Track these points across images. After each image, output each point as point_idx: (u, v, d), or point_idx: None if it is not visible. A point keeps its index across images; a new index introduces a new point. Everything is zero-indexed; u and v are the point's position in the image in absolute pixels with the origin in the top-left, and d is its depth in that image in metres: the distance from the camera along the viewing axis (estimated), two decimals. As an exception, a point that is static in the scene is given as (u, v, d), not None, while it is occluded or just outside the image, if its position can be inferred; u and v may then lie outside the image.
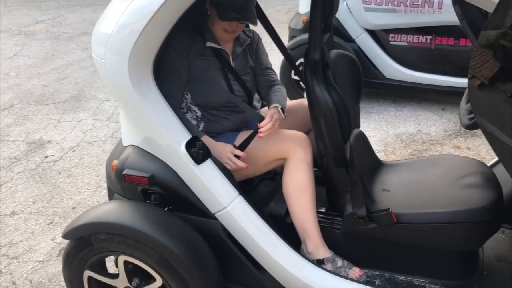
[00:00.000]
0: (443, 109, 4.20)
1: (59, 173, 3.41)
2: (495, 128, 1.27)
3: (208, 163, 1.74)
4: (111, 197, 2.07)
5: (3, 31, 7.42)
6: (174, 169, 1.78)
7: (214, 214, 1.79)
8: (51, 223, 2.86)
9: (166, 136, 1.73)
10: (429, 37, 3.96)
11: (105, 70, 1.71)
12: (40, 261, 2.56)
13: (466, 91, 1.88)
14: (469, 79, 1.29)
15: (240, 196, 1.77)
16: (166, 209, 1.86)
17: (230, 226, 1.80)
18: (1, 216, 2.93)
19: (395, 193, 1.92)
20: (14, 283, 2.41)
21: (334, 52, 1.94)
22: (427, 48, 4.00)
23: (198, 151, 1.70)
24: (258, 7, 2.00)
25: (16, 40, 6.95)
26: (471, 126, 1.72)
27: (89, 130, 4.08)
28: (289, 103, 2.21)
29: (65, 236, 1.80)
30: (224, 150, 1.84)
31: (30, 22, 7.96)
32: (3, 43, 6.78)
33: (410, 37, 4.02)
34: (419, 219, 1.75)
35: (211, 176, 1.74)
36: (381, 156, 3.39)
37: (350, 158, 1.75)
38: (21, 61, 6.03)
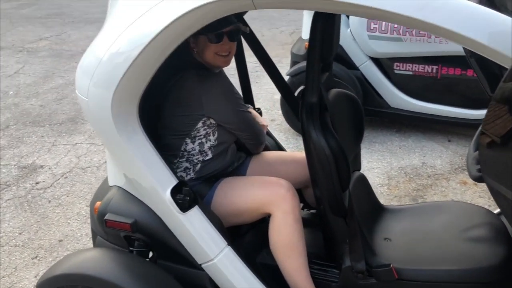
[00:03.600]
0: (449, 140, 4.07)
1: (49, 201, 3.29)
2: (504, 187, 1.17)
3: (195, 210, 1.62)
4: (94, 239, 1.94)
5: (7, 48, 7.38)
6: (159, 214, 1.66)
7: (200, 265, 1.66)
8: (36, 257, 2.73)
9: (150, 179, 1.61)
10: (435, 67, 3.84)
11: (88, 109, 1.61)
12: (21, 299, 2.43)
13: (475, 135, 1.76)
14: (480, 135, 1.19)
15: (229, 247, 1.64)
16: (150, 255, 1.75)
17: (217, 278, 1.67)
18: (-14, 248, 2.82)
19: (397, 243, 1.79)
20: (-9, 324, 2.28)
21: (333, 91, 1.83)
22: (433, 77, 3.88)
23: (184, 198, 1.58)
24: (252, 35, 1.93)
25: (19, 57, 6.90)
26: (479, 179, 1.60)
27: (84, 154, 3.97)
28: (283, 154, 2.09)
29: (39, 287, 1.68)
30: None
31: (34, 39, 7.93)
32: (5, 60, 6.72)
33: (415, 66, 3.90)
34: (422, 276, 1.62)
35: (197, 225, 1.62)
36: (385, 190, 3.26)
37: (349, 208, 1.63)
38: (22, 79, 5.96)
